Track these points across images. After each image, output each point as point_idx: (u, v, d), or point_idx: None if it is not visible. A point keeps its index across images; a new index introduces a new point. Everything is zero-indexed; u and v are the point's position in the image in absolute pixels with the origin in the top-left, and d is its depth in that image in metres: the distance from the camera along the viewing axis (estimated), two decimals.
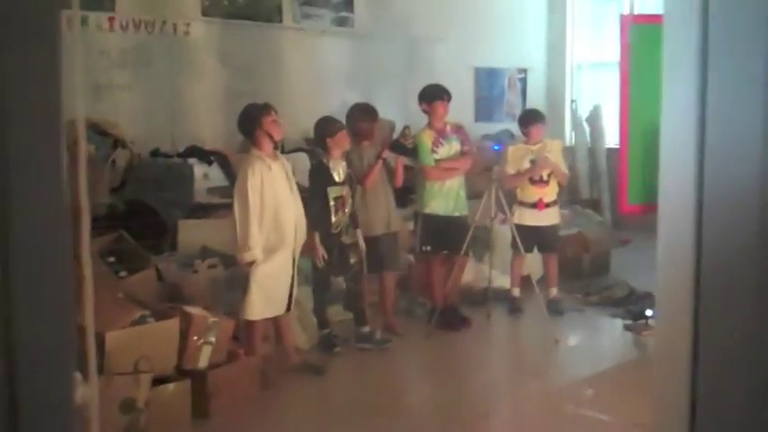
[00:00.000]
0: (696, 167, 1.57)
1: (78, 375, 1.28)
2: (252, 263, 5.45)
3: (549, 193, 7.35)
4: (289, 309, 5.76)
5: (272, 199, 5.50)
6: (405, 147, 6.74)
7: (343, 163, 6.28)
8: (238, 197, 5.45)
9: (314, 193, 6.22)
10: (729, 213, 1.54)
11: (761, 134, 1.48)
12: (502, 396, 5.77)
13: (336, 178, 6.20)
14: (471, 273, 7.56)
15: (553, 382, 6.03)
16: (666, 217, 1.68)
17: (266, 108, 5.67)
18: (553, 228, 7.48)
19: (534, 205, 7.27)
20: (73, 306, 1.18)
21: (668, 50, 1.62)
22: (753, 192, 1.49)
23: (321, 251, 6.06)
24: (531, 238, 7.23)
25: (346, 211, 6.25)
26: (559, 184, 7.48)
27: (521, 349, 7.01)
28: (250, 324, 5.58)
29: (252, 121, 5.61)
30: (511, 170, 7.24)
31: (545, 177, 7.29)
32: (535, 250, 7.47)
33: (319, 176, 6.22)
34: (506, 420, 5.43)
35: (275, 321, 5.75)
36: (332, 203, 6.15)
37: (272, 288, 5.58)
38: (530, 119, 7.51)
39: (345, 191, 6.26)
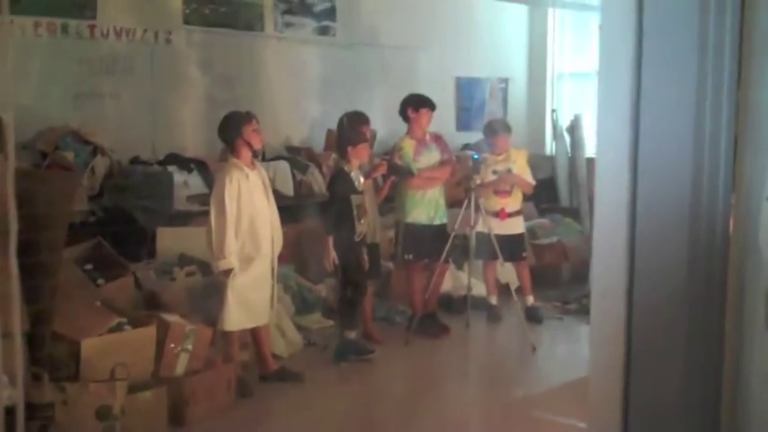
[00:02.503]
0: (630, 162, 1.62)
1: (4, 377, 1.30)
2: (228, 271, 5.44)
3: (512, 203, 7.42)
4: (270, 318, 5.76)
5: (249, 208, 5.50)
6: (399, 166, 6.80)
7: (361, 172, 6.38)
8: (215, 204, 5.44)
9: (335, 200, 6.31)
10: (662, 204, 1.59)
11: (691, 133, 1.52)
12: (480, 403, 5.79)
13: (357, 186, 6.27)
14: (451, 281, 7.60)
15: (531, 389, 6.05)
16: (602, 207, 1.74)
17: (247, 117, 5.67)
18: (518, 237, 7.52)
19: (497, 214, 7.31)
20: None
21: (604, 50, 1.67)
22: (684, 181, 1.54)
23: (333, 256, 6.11)
24: (496, 246, 7.24)
25: (368, 219, 6.36)
26: (524, 194, 7.54)
27: (499, 357, 7.03)
28: (227, 334, 5.57)
29: (232, 129, 5.61)
30: (477, 180, 7.23)
31: (507, 188, 7.35)
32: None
33: (342, 184, 6.31)
34: (485, 427, 5.44)
35: (253, 329, 5.74)
36: (355, 211, 6.21)
37: (250, 298, 5.56)
38: (493, 129, 7.61)
39: (366, 199, 6.38)
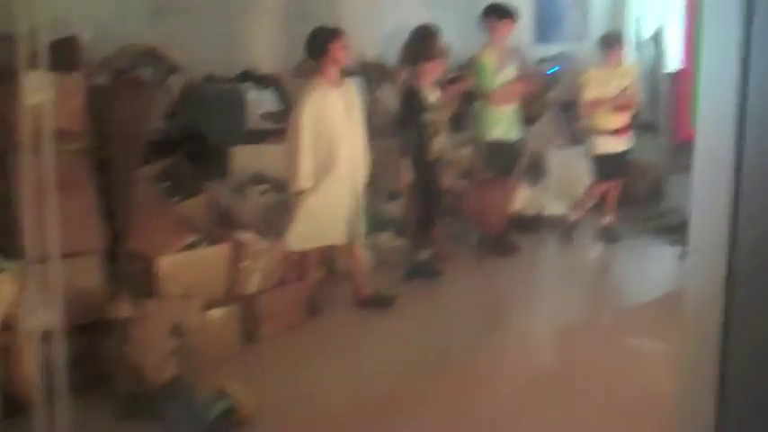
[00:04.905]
0: (738, 93, 1.49)
1: (36, 298, 1.36)
2: (302, 192, 5.46)
3: (627, 118, 7.19)
4: (351, 239, 5.72)
5: (328, 129, 5.43)
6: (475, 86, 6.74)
7: (435, 88, 6.29)
8: (292, 127, 5.43)
9: (407, 119, 6.22)
10: None
11: None
12: (551, 323, 5.79)
13: (430, 104, 6.20)
14: (523, 199, 7.52)
15: (605, 309, 6.03)
16: (704, 147, 1.61)
17: (335, 33, 5.55)
18: (629, 152, 7.33)
19: (617, 132, 7.10)
20: None
21: None
22: None
23: (408, 177, 6.09)
24: (615, 164, 7.10)
25: (442, 137, 6.30)
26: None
27: (572, 276, 6.97)
28: (302, 253, 5.62)
29: (319, 45, 5.51)
30: (592, 95, 6.99)
31: (629, 103, 7.12)
32: None
33: (413, 102, 6.20)
34: (556, 348, 5.44)
35: (347, 251, 5.76)
36: (428, 130, 6.16)
37: (321, 217, 5.54)
38: (612, 41, 7.24)
39: (440, 117, 6.27)
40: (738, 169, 1.51)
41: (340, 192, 5.58)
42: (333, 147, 5.47)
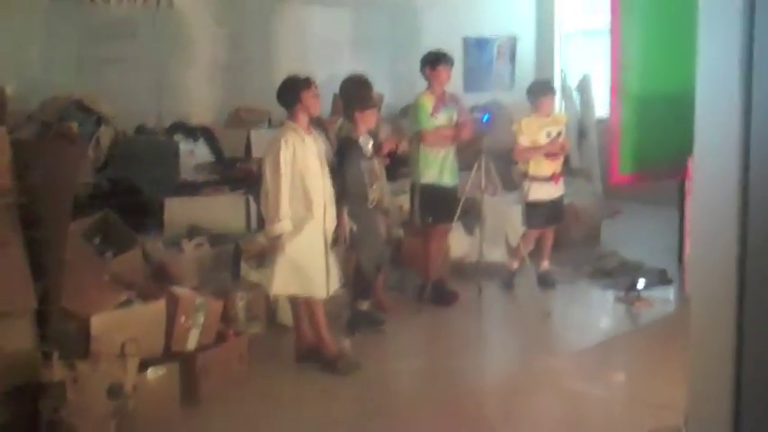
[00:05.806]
0: (742, 122, 1.39)
1: None
2: (281, 236, 5.34)
3: (559, 165, 7.24)
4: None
5: (303, 172, 5.36)
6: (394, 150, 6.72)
7: (370, 138, 6.25)
8: (270, 168, 5.31)
9: (344, 168, 6.14)
10: None
11: None
12: (494, 372, 5.74)
13: (366, 152, 6.17)
14: (462, 246, 7.50)
15: (545, 356, 6.00)
16: (705, 178, 1.50)
17: (306, 82, 5.51)
18: (561, 199, 7.36)
19: (550, 179, 7.13)
20: None
21: None
22: None
23: (348, 227, 6.01)
24: (546, 212, 7.12)
25: (379, 185, 6.25)
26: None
27: (513, 323, 6.95)
28: (294, 303, 5.56)
29: (291, 94, 5.48)
30: (525, 143, 7.06)
31: (558, 150, 7.19)
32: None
33: (350, 151, 6.15)
34: (500, 396, 5.38)
35: (306, 302, 5.59)
36: (366, 178, 6.12)
37: (301, 262, 5.42)
38: (540, 90, 7.30)
39: (376, 165, 6.26)
40: (745, 197, 1.42)
41: (316, 237, 5.48)
42: (307, 189, 5.39)
